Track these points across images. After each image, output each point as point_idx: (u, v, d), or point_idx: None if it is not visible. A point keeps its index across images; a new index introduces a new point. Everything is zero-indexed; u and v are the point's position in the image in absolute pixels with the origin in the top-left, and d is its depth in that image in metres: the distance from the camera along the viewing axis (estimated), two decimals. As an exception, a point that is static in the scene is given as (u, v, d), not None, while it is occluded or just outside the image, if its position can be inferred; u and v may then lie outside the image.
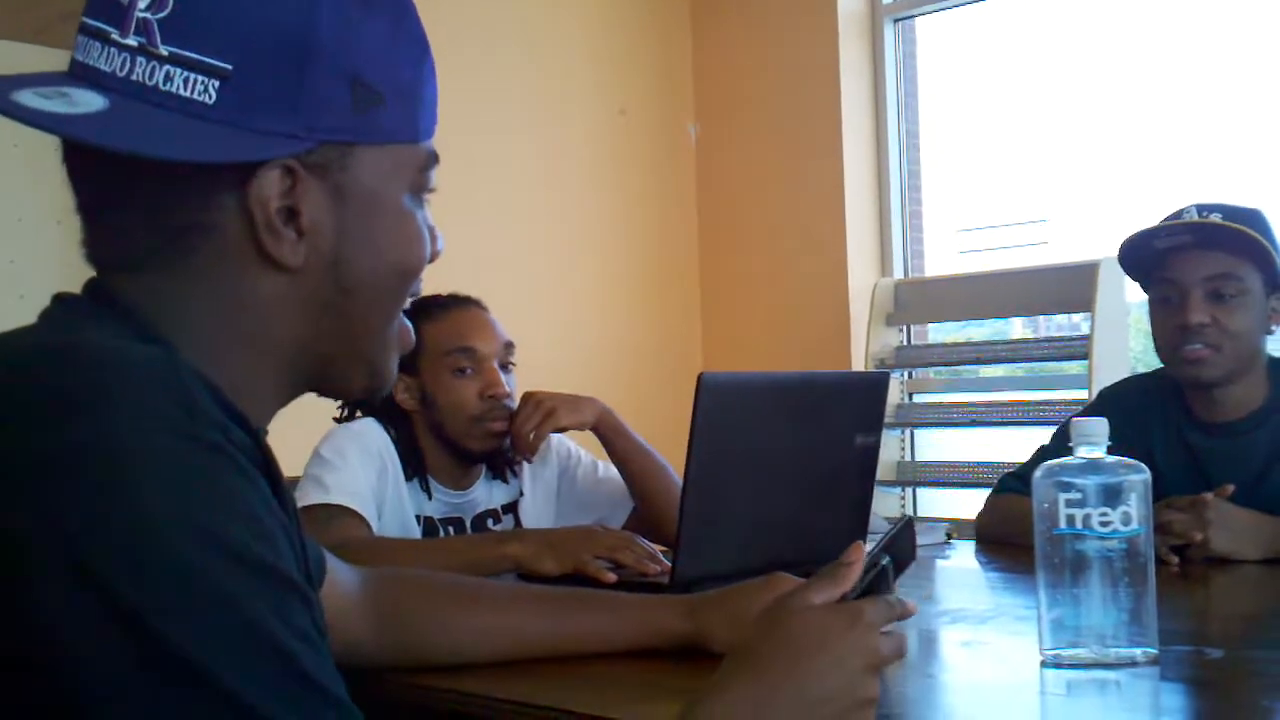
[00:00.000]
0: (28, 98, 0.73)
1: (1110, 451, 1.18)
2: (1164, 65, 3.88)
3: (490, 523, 2.03)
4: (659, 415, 3.29)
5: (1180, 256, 1.95)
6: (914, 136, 4.19)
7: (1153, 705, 1.03)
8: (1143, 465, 1.16)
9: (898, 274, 4.12)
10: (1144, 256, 2.00)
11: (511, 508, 2.07)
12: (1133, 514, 1.13)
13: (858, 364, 3.91)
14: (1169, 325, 1.96)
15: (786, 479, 1.69)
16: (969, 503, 3.84)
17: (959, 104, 4.29)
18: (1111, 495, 1.14)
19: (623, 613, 1.27)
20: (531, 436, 1.95)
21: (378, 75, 0.79)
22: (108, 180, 0.77)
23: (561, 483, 2.13)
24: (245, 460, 0.68)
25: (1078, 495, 1.14)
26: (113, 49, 0.75)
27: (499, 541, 1.77)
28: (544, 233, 3.82)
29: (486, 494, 2.05)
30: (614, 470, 2.15)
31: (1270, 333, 1.97)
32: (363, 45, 0.79)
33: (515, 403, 2.00)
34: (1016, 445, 3.72)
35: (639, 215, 4.16)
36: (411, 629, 1.22)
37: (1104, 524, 1.13)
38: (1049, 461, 1.20)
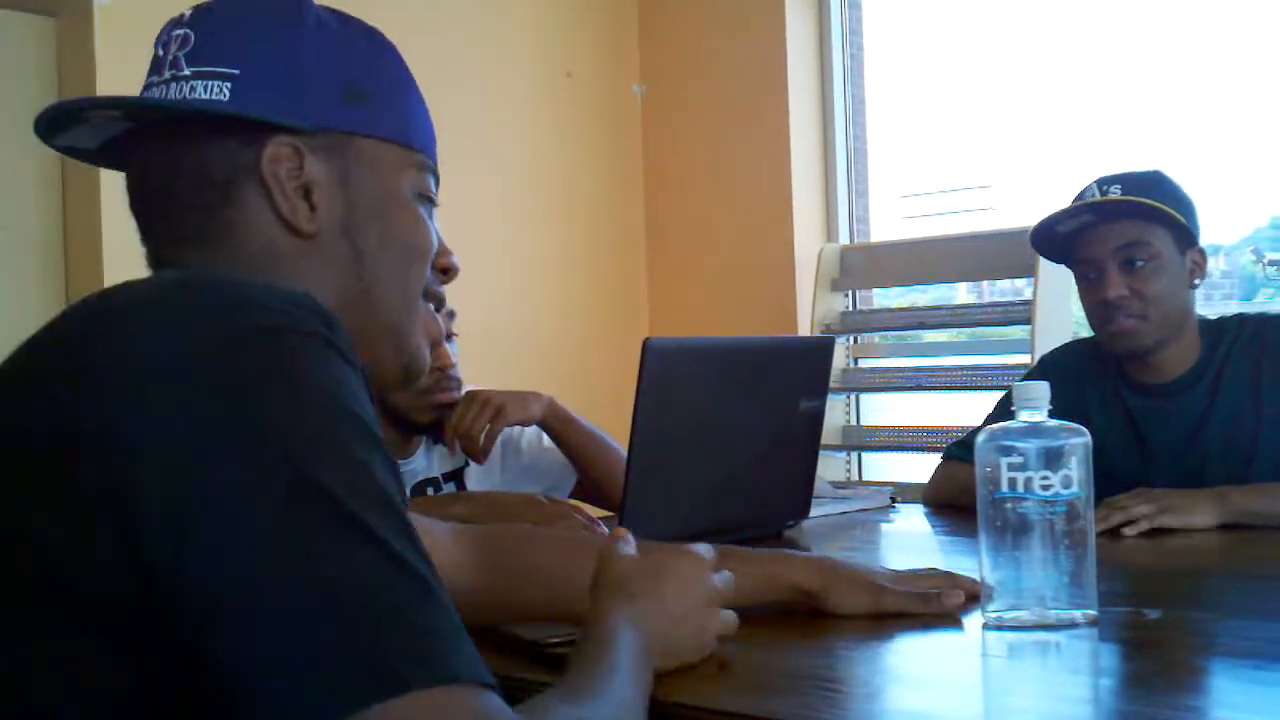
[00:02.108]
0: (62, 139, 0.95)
1: (1051, 415, 1.18)
2: (1105, 32, 3.91)
3: (430, 490, 2.01)
4: (605, 381, 3.29)
5: (1087, 236, 1.98)
6: (860, 102, 4.19)
7: (1091, 666, 1.05)
8: (1083, 429, 1.17)
9: (843, 239, 4.13)
10: (1054, 242, 2.04)
11: (453, 476, 2.06)
12: (1073, 477, 1.14)
13: (804, 329, 3.92)
14: (1093, 302, 2.00)
15: (732, 444, 1.70)
16: (914, 466, 3.88)
17: (904, 70, 4.30)
18: (1052, 458, 1.15)
19: (744, 566, 1.21)
20: (483, 438, 1.93)
21: (363, 78, 0.95)
22: (151, 174, 0.93)
23: (506, 450, 2.12)
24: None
25: (1019, 459, 1.15)
26: (154, 89, 0.93)
27: (443, 503, 1.76)
28: (488, 197, 3.78)
29: (426, 463, 2.04)
30: (546, 447, 2.14)
31: (1194, 287, 1.99)
32: (347, 55, 0.95)
33: (461, 372, 1.99)
34: (960, 409, 3.75)
35: (584, 178, 4.14)
36: (511, 577, 1.21)
37: (1045, 487, 1.14)
38: (991, 426, 1.20)
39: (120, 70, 2.78)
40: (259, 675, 0.64)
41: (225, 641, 0.64)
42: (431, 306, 1.01)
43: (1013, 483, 1.15)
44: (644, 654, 0.96)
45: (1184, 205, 1.96)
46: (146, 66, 0.95)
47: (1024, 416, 1.17)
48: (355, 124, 0.94)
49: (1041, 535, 1.14)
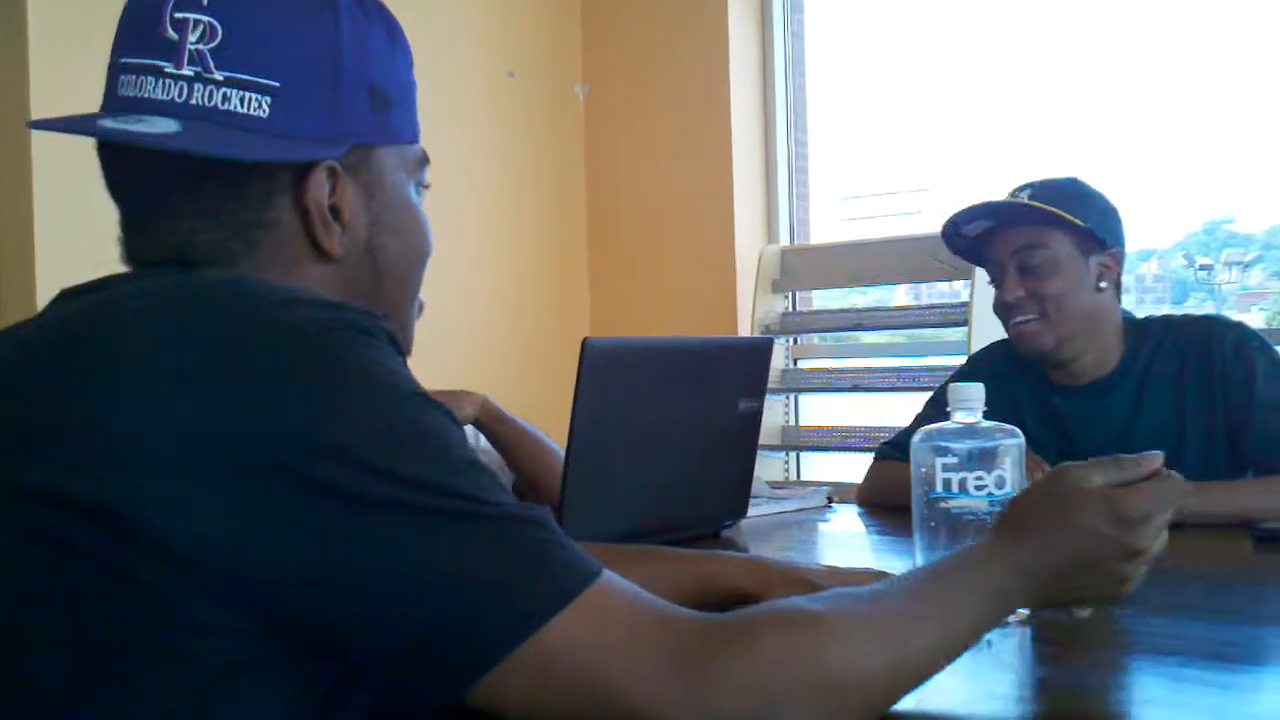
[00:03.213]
0: (110, 124, 0.86)
1: (984, 416, 1.20)
2: (1040, 39, 3.95)
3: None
4: (546, 380, 3.28)
5: (990, 239, 2.04)
6: (801, 105, 4.21)
7: (1021, 664, 1.06)
8: (1016, 430, 1.18)
9: (784, 241, 4.15)
10: (960, 244, 2.09)
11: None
12: (1006, 477, 1.16)
13: (744, 330, 3.93)
14: (997, 303, 2.06)
15: (670, 443, 1.70)
16: (851, 466, 3.91)
17: (845, 74, 4.33)
18: (986, 459, 1.16)
19: (679, 567, 1.24)
20: None
21: (386, 82, 0.93)
22: (172, 188, 0.87)
23: None
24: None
25: (954, 459, 1.17)
26: (168, 80, 0.86)
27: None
28: (428, 195, 3.75)
29: None
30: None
31: (1101, 290, 2.01)
32: (373, 56, 0.92)
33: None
34: (898, 410, 3.79)
35: (526, 178, 4.12)
36: None
37: (979, 487, 1.15)
38: (927, 427, 1.22)
39: (51, 54, 2.73)
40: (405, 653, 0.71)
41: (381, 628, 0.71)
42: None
43: (947, 483, 1.16)
44: (988, 590, 0.88)
45: (1092, 211, 1.99)
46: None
47: (958, 417, 1.19)
48: (380, 135, 0.93)
49: (975, 534, 1.15)
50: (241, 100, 0.86)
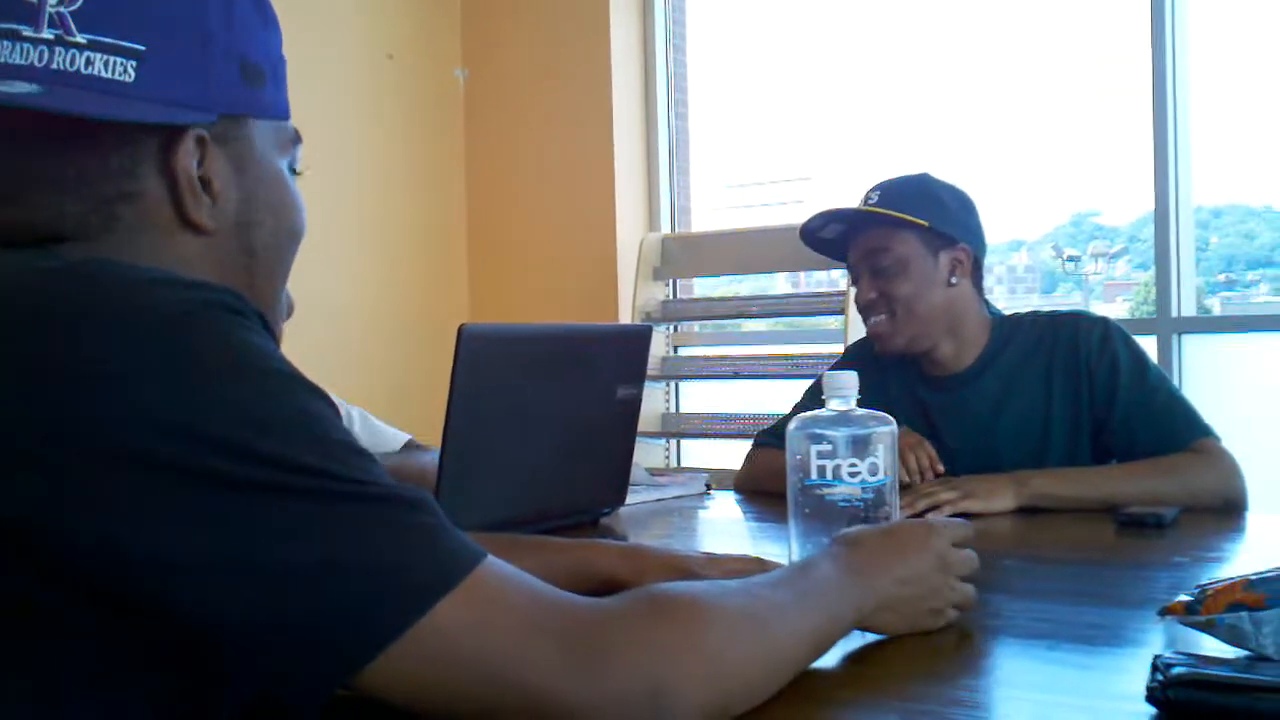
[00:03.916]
0: None
1: (859, 404, 1.21)
2: (920, 32, 4.01)
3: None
4: (423, 369, 3.24)
5: (847, 242, 2.11)
6: (683, 93, 4.22)
7: (893, 649, 1.07)
8: (889, 417, 1.19)
9: (665, 229, 4.16)
10: (821, 245, 2.17)
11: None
12: (880, 464, 1.16)
13: (624, 317, 3.93)
14: (856, 304, 2.12)
15: (548, 431, 1.69)
16: (731, 454, 3.93)
17: (727, 62, 4.35)
18: (860, 446, 1.17)
19: (554, 556, 1.23)
20: None
21: (258, 55, 0.90)
22: (31, 157, 0.83)
23: None
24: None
25: (829, 446, 1.17)
26: (27, 44, 0.82)
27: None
28: (304, 178, 3.68)
29: None
30: (378, 423, 2.12)
31: (953, 285, 2.06)
32: (242, 26, 0.89)
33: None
34: (778, 397, 3.82)
35: (405, 162, 4.07)
36: None
37: (852, 474, 1.16)
38: (802, 414, 1.22)
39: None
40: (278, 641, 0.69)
41: (252, 617, 0.68)
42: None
43: (822, 470, 1.17)
44: (838, 592, 0.96)
45: (938, 208, 2.05)
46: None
47: (833, 405, 1.19)
48: (252, 107, 0.90)
49: (850, 521, 1.16)
50: (106, 64, 0.82)
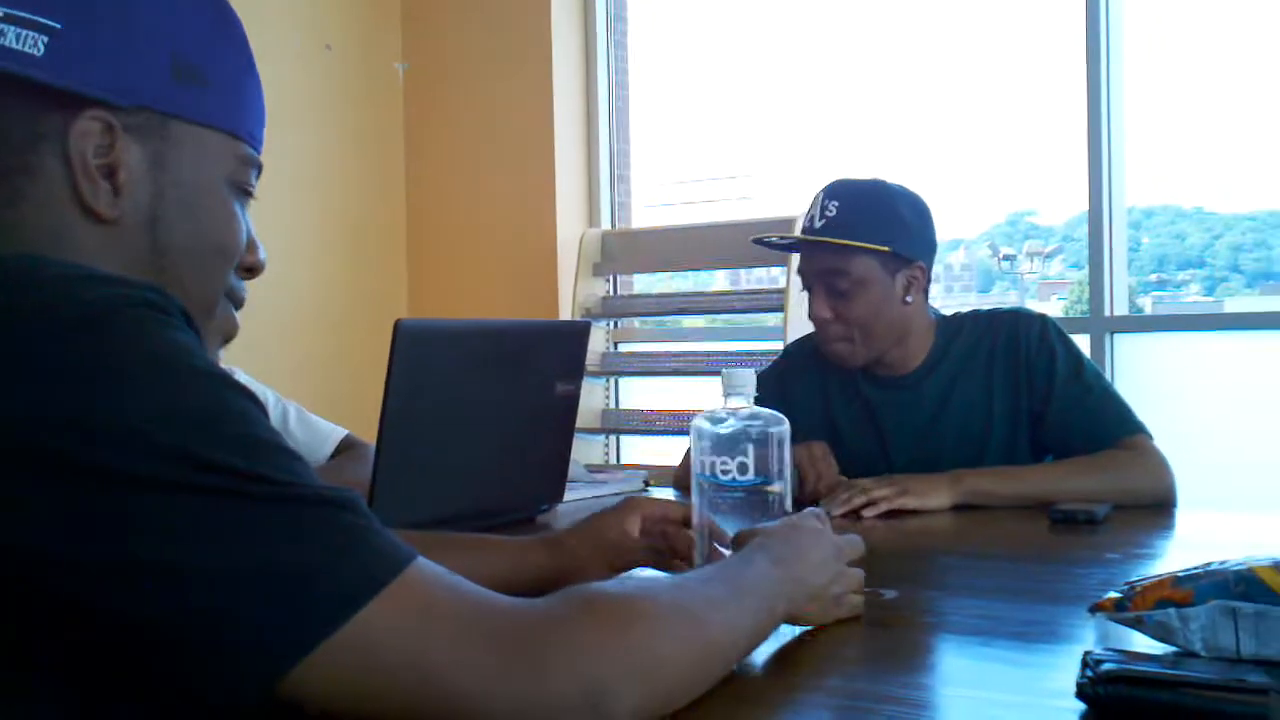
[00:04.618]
0: None
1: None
2: (856, 31, 4.04)
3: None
4: (363, 364, 3.21)
5: (802, 250, 2.09)
6: (623, 89, 4.22)
7: (828, 647, 1.07)
8: (782, 416, 1.19)
9: (605, 224, 4.15)
10: (773, 245, 2.15)
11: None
12: (749, 464, 1.16)
13: (564, 313, 3.92)
14: (810, 315, 2.09)
15: (485, 428, 1.68)
16: (670, 450, 3.93)
17: (668, 58, 4.35)
18: (729, 445, 1.16)
19: (492, 555, 1.22)
20: None
21: (200, 58, 0.88)
22: None
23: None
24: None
25: (706, 443, 1.17)
26: None
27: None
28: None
29: None
30: (314, 418, 2.10)
31: (907, 303, 2.06)
32: (180, 21, 0.87)
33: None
34: (717, 394, 3.83)
35: (343, 156, 4.03)
36: None
37: (724, 472, 1.16)
38: (704, 410, 1.22)
39: None
40: (214, 634, 0.67)
41: (188, 615, 0.67)
42: (232, 307, 0.96)
43: (703, 465, 1.18)
44: (769, 586, 0.98)
45: (897, 226, 2.02)
46: None
47: (730, 403, 1.19)
48: (181, 106, 0.87)
49: (744, 516, 1.16)
50: (18, 37, 0.81)
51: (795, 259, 3.48)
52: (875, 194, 2.04)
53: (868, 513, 1.78)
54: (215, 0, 0.92)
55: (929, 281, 2.09)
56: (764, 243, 2.13)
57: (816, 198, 2.05)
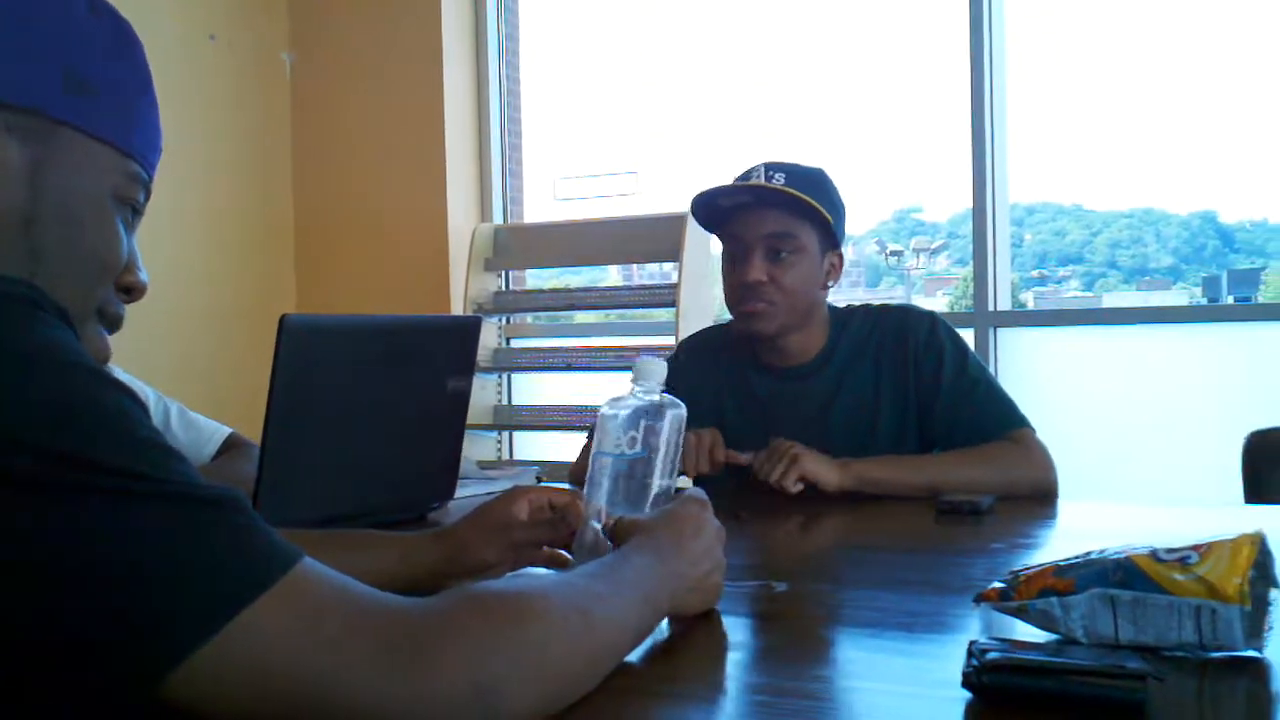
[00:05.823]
0: None
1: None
2: (746, 31, 4.07)
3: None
4: (249, 361, 3.15)
5: (742, 216, 2.06)
6: (515, 84, 4.20)
7: (720, 639, 1.07)
8: (679, 401, 1.21)
9: (497, 219, 4.13)
10: (712, 213, 2.10)
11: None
12: (639, 439, 1.19)
13: (456, 308, 3.89)
14: (733, 280, 2.08)
15: (375, 425, 1.65)
16: (564, 445, 3.93)
17: (559, 56, 4.33)
18: (643, 420, 1.19)
19: (380, 551, 1.21)
20: None
21: (95, 71, 0.88)
22: None
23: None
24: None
25: (621, 422, 1.20)
26: None
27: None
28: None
29: None
30: (196, 416, 2.06)
31: (826, 288, 2.11)
32: (80, 39, 0.87)
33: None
34: (610, 389, 3.83)
35: (228, 149, 3.94)
36: None
37: (616, 446, 1.20)
38: (612, 397, 1.23)
39: None
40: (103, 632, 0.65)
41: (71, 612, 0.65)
42: (103, 330, 0.93)
43: (611, 443, 1.20)
44: (652, 579, 1.00)
45: (835, 209, 2.07)
46: None
47: (636, 389, 1.22)
48: (70, 114, 0.86)
49: (613, 484, 1.19)
50: None
51: (689, 254, 3.51)
52: (817, 173, 2.07)
53: (787, 483, 1.83)
54: (116, 20, 0.92)
55: (839, 276, 2.12)
56: (705, 202, 2.08)
57: (755, 169, 2.04)
